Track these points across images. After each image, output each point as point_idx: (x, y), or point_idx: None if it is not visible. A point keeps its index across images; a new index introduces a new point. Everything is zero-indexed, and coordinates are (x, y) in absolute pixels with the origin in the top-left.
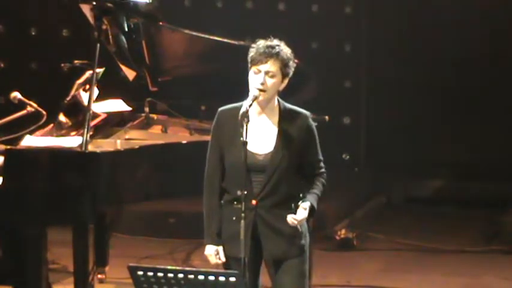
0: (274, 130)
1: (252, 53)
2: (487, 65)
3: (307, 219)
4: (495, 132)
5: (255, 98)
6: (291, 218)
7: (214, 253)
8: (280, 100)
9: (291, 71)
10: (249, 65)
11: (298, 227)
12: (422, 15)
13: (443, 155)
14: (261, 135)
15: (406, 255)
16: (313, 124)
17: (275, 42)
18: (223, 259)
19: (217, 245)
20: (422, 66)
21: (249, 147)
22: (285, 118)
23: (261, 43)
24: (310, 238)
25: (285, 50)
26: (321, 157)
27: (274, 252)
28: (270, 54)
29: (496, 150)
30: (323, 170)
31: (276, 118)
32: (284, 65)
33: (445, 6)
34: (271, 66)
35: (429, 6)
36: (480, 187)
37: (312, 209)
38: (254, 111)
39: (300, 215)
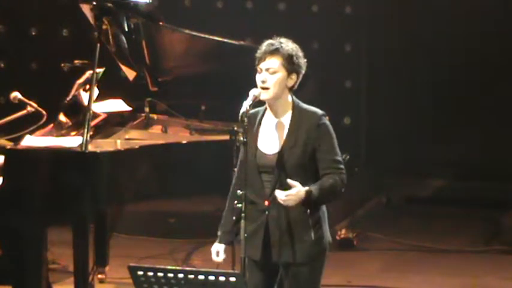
0: (284, 130)
1: (257, 54)
2: (487, 64)
3: (310, 211)
4: (495, 132)
5: (255, 98)
6: (279, 193)
7: (214, 251)
8: (295, 99)
9: (299, 67)
10: (255, 66)
11: (312, 234)
12: (422, 15)
13: (443, 155)
14: (271, 135)
15: (406, 255)
16: (327, 123)
17: (279, 39)
18: (221, 258)
19: (220, 243)
20: (422, 66)
21: (260, 147)
22: (296, 117)
23: (264, 42)
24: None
25: (287, 47)
26: (336, 157)
27: (282, 255)
28: (269, 51)
29: (496, 150)
30: (338, 170)
31: (288, 118)
32: (286, 60)
33: (446, 6)
34: (270, 62)
35: (430, 6)
36: (480, 187)
37: (310, 197)
38: (268, 111)
39: (288, 192)
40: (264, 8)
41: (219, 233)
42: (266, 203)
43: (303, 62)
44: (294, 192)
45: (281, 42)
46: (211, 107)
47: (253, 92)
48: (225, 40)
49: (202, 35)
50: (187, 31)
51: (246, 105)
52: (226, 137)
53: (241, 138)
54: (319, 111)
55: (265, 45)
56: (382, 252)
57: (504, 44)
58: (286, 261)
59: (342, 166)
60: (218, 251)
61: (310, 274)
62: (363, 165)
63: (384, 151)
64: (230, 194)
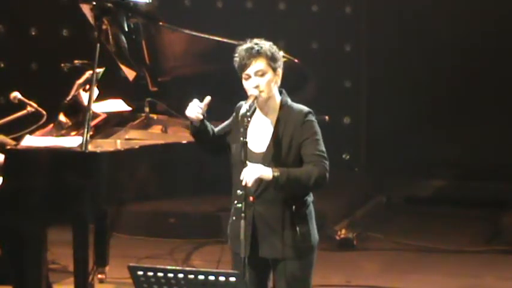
0: (271, 128)
1: (236, 62)
2: (487, 65)
3: (295, 207)
4: (495, 132)
5: (255, 98)
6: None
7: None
8: (283, 97)
9: (280, 63)
10: (239, 75)
11: (297, 230)
12: (422, 15)
13: (443, 155)
14: (258, 134)
15: (406, 255)
16: (313, 120)
17: (254, 41)
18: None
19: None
20: (422, 66)
21: (248, 145)
22: (283, 116)
23: (241, 49)
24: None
25: (266, 46)
26: (317, 152)
27: (268, 250)
28: (252, 54)
29: (495, 150)
30: (318, 162)
31: (275, 116)
32: (270, 59)
33: (446, 6)
34: (258, 65)
35: (429, 6)
36: (480, 187)
37: (277, 178)
38: (256, 109)
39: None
40: (264, 8)
41: None
42: (251, 198)
43: (281, 56)
44: (249, 168)
45: (257, 44)
46: (211, 107)
47: (253, 93)
48: (225, 40)
49: (202, 35)
50: (187, 31)
51: (246, 106)
52: None
53: (242, 139)
54: (306, 109)
55: (244, 51)
56: (382, 252)
57: (504, 44)
58: (273, 257)
59: (324, 159)
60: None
61: (299, 271)
62: (363, 165)
63: (384, 151)
64: None
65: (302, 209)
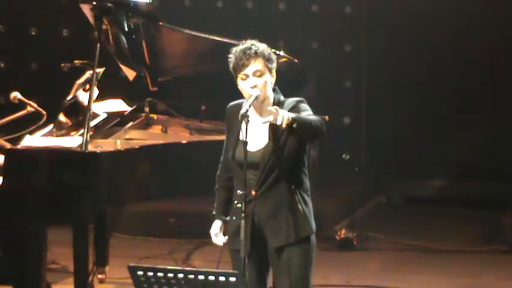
0: (266, 126)
1: (232, 63)
2: (487, 65)
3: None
4: (495, 132)
5: (256, 98)
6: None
7: (214, 231)
8: (276, 95)
9: (275, 64)
10: (234, 76)
11: (300, 207)
12: (422, 15)
13: (443, 155)
14: (254, 134)
15: (406, 255)
16: (301, 104)
17: (249, 42)
18: (221, 239)
19: (220, 220)
20: (422, 66)
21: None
22: None
23: (236, 50)
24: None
25: (262, 47)
26: (309, 114)
27: (273, 237)
28: (250, 55)
29: (496, 150)
30: (314, 116)
31: (270, 114)
32: (267, 60)
33: (446, 6)
34: (256, 65)
35: (429, 6)
36: (480, 187)
37: (294, 117)
38: (251, 111)
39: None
40: (264, 8)
41: (216, 211)
42: (253, 193)
43: (275, 58)
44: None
45: (254, 44)
46: (211, 107)
47: (254, 93)
48: (225, 40)
49: (202, 35)
50: (187, 31)
51: (246, 106)
52: None
53: (241, 138)
54: (294, 99)
55: (241, 52)
56: (382, 252)
57: (504, 44)
58: (277, 245)
59: (319, 118)
60: (218, 230)
61: (300, 257)
62: (363, 165)
63: (383, 151)
64: (218, 183)
65: (301, 194)
